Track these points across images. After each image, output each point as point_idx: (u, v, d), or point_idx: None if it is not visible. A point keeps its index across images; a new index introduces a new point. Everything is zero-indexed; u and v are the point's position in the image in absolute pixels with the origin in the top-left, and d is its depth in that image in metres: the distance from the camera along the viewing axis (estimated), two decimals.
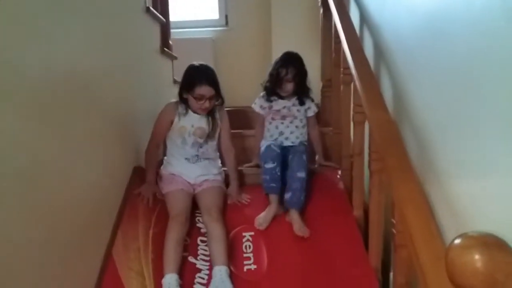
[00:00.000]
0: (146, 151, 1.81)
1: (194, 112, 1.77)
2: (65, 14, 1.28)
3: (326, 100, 2.38)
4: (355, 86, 1.52)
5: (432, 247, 0.87)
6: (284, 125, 1.95)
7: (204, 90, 1.69)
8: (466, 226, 0.94)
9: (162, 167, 1.83)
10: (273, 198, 1.74)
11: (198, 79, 1.69)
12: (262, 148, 1.91)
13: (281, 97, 1.95)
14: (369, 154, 1.36)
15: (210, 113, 1.80)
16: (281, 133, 1.94)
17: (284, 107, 1.96)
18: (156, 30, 2.39)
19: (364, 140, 1.59)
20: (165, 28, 2.49)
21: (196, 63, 1.78)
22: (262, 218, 1.68)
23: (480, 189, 0.91)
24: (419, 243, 0.88)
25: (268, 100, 1.97)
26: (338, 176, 1.89)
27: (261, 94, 2.00)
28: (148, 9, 2.19)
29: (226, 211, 1.75)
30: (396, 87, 1.51)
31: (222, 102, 1.82)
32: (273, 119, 1.97)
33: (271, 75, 1.93)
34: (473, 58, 0.94)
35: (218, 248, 1.50)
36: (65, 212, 1.23)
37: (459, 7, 1.01)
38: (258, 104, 2.00)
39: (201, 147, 1.79)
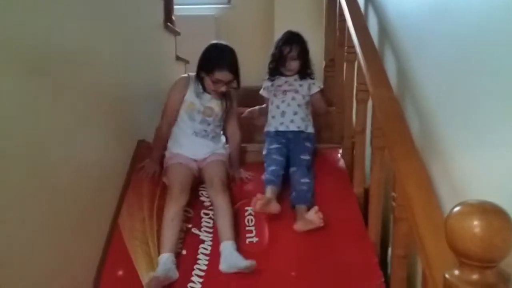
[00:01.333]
0: (158, 129, 1.81)
1: (208, 92, 1.76)
2: None
3: (329, 80, 2.39)
4: (359, 64, 1.53)
5: (432, 219, 0.90)
6: (285, 104, 1.86)
7: (224, 75, 1.66)
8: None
9: (167, 149, 1.78)
10: (271, 190, 1.63)
11: (219, 63, 1.66)
12: (264, 152, 1.83)
13: (285, 76, 1.92)
14: (372, 132, 1.39)
15: (224, 96, 1.78)
16: (283, 113, 1.85)
17: (286, 82, 1.91)
18: (159, 4, 2.38)
19: (366, 119, 1.61)
20: (168, 2, 2.48)
21: (219, 43, 1.74)
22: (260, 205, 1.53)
23: (481, 164, 0.94)
24: (420, 215, 0.92)
25: (271, 79, 1.95)
26: (339, 155, 1.92)
27: (265, 78, 1.98)
28: None
29: (228, 186, 1.75)
30: (400, 65, 1.53)
31: (238, 87, 1.79)
32: (274, 95, 1.90)
33: (273, 54, 1.91)
34: (477, 34, 0.96)
35: (225, 223, 1.52)
36: (72, 183, 1.26)
37: None
38: (262, 87, 1.99)
39: (209, 124, 1.78)
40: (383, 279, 1.37)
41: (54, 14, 1.19)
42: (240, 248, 1.52)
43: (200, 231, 1.61)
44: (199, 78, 1.74)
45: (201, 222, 1.64)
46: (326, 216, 1.62)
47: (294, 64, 1.87)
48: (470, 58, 0.99)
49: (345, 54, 1.80)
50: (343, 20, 1.81)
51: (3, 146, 0.95)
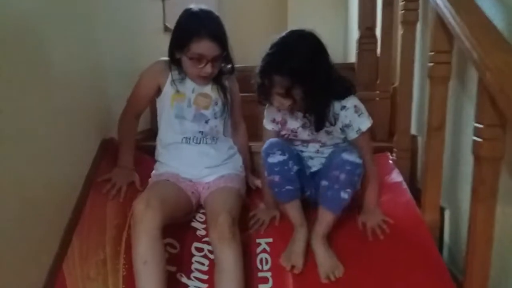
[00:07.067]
0: (120, 122, 1.32)
1: (192, 79, 1.25)
2: None
3: (365, 55, 1.81)
4: (433, 23, 1.01)
5: None
6: (306, 154, 1.24)
7: (204, 47, 1.15)
8: None
9: (154, 170, 1.31)
10: (295, 208, 1.13)
11: (196, 31, 1.15)
12: (267, 172, 1.16)
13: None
14: (475, 129, 0.83)
15: (215, 81, 1.27)
16: (308, 158, 1.25)
17: (303, 126, 1.18)
18: None
19: (446, 107, 1.06)
20: None
21: (194, 7, 1.20)
22: (291, 254, 1.09)
23: None
24: None
25: (276, 118, 1.23)
26: (391, 161, 1.35)
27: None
28: None
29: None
30: None
31: (232, 70, 1.28)
32: (291, 142, 1.25)
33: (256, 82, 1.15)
34: None
35: (229, 286, 0.99)
36: None
37: None
38: (268, 117, 1.25)
39: (206, 122, 1.26)
40: None
41: None
42: None
43: (189, 278, 1.09)
44: (174, 61, 1.24)
45: (191, 264, 1.12)
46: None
47: (287, 103, 1.08)
48: None
49: (403, 11, 1.25)
50: None
51: None
